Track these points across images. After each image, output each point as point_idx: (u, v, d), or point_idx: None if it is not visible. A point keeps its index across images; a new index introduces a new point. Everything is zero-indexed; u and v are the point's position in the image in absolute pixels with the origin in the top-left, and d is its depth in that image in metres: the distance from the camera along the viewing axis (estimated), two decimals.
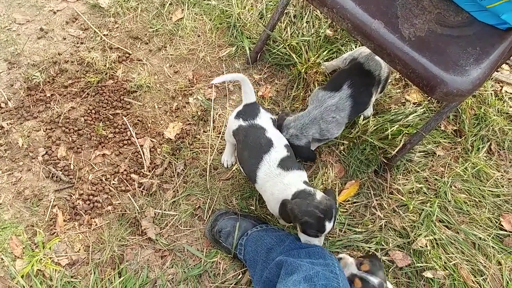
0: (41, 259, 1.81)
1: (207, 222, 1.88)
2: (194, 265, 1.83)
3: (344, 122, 1.87)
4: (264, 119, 1.71)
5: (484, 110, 2.12)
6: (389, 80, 1.99)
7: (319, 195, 1.52)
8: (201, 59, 2.26)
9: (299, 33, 2.24)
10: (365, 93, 1.85)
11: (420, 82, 1.39)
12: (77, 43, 2.32)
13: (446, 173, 2.01)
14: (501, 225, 1.92)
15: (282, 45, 2.21)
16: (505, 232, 1.90)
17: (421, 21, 1.43)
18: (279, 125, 1.87)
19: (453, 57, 1.38)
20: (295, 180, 1.58)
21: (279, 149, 1.64)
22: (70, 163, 2.03)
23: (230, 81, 1.67)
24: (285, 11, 2.05)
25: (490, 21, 1.42)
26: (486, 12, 1.41)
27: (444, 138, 2.08)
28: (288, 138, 1.81)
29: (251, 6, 2.34)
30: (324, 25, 2.27)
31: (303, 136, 1.83)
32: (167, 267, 1.83)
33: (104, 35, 2.33)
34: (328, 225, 1.48)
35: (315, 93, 1.89)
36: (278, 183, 1.59)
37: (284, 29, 2.25)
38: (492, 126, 2.10)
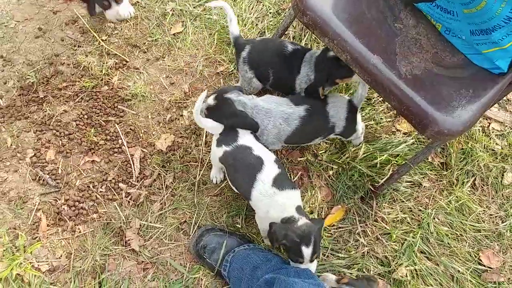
0: (21, 263, 1.79)
1: (192, 237, 1.88)
2: (175, 280, 1.83)
3: (281, 139, 1.85)
4: (246, 137, 1.73)
5: (471, 145, 2.17)
6: (362, 130, 1.99)
7: (302, 221, 1.57)
8: (199, 73, 2.26)
9: None
10: (311, 128, 1.83)
11: (413, 120, 1.42)
12: (75, 46, 2.31)
13: (430, 204, 2.04)
14: (480, 260, 1.95)
15: None
16: (483, 267, 1.94)
17: (418, 60, 1.46)
18: (225, 88, 1.86)
19: (446, 97, 1.42)
20: (289, 204, 1.62)
21: (270, 165, 1.67)
22: (58, 167, 2.01)
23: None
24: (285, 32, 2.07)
25: (485, 65, 1.47)
26: (482, 56, 1.45)
27: (431, 170, 2.12)
28: (234, 99, 1.76)
29: (252, 24, 2.36)
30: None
31: (251, 114, 1.79)
32: (149, 280, 1.82)
33: (102, 40, 2.32)
34: (306, 251, 1.53)
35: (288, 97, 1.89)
36: (274, 203, 1.62)
37: None
38: (477, 161, 2.14)
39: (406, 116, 1.44)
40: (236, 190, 1.79)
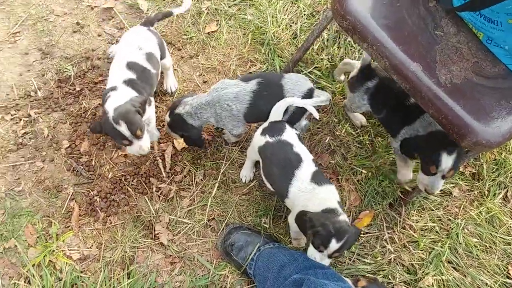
0: (53, 250, 1.85)
1: (220, 234, 1.91)
2: (202, 276, 1.85)
3: (240, 118, 1.86)
4: (290, 135, 1.74)
5: (504, 156, 2.13)
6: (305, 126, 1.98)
7: (343, 217, 1.57)
8: (232, 72, 2.29)
9: (331, 57, 2.27)
10: (266, 100, 1.81)
11: (451, 129, 1.41)
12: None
13: (460, 215, 2.02)
14: (509, 273, 1.92)
15: (313, 67, 2.24)
16: None
17: (458, 68, 1.45)
18: (176, 101, 1.93)
19: (486, 108, 1.40)
20: (330, 197, 1.63)
21: (308, 163, 1.69)
22: (92, 159, 2.06)
23: None
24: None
25: None
26: None
27: (462, 180, 2.09)
28: (182, 113, 1.85)
29: (286, 26, 2.37)
30: (356, 51, 2.30)
31: (197, 117, 1.86)
32: (176, 274, 1.85)
33: None
34: (333, 244, 1.51)
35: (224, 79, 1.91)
36: (313, 198, 1.62)
37: (316, 53, 2.28)
38: (510, 173, 2.10)
39: (444, 125, 1.43)
40: (269, 186, 1.80)
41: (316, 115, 1.81)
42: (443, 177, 1.68)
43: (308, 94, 1.82)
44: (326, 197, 1.62)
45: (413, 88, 1.43)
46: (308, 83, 1.84)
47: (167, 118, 1.93)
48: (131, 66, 1.83)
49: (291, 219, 1.74)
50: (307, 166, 1.67)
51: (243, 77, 1.87)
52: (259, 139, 1.77)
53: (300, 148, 1.71)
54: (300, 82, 1.82)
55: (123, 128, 1.67)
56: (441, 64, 1.44)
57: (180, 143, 2.10)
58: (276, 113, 1.79)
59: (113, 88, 1.77)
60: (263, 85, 1.80)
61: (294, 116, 1.86)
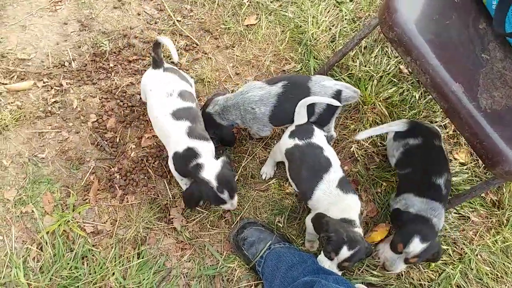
0: (68, 221, 1.86)
1: (234, 227, 1.91)
2: (210, 265, 1.86)
3: (264, 122, 1.86)
4: (320, 137, 1.75)
5: None
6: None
7: (358, 230, 1.58)
8: (265, 68, 2.29)
9: (366, 65, 2.25)
10: (293, 103, 1.78)
11: (484, 154, 1.39)
12: (150, 22, 2.38)
13: (476, 240, 1.99)
14: None
15: (347, 73, 2.23)
16: None
17: (500, 95, 1.43)
18: (208, 100, 1.95)
19: None
20: (353, 207, 1.64)
21: (337, 168, 1.70)
22: (116, 136, 2.08)
23: None
24: None
25: None
26: None
27: (482, 205, 2.07)
28: (212, 112, 1.88)
29: (325, 28, 2.35)
30: (392, 63, 2.28)
31: (224, 118, 1.87)
32: (185, 260, 1.86)
33: (177, 20, 2.37)
34: (344, 251, 1.51)
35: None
36: (337, 203, 1.63)
37: (352, 59, 2.26)
38: None
39: (477, 150, 1.41)
40: (294, 186, 1.80)
41: (335, 102, 1.76)
42: (406, 260, 1.67)
43: (336, 96, 1.80)
44: (350, 205, 1.63)
45: (452, 109, 1.41)
46: (336, 86, 1.81)
47: None
48: (178, 116, 1.76)
49: (308, 220, 1.74)
50: (335, 172, 1.67)
51: (269, 80, 1.87)
52: (287, 141, 1.77)
53: (329, 152, 1.72)
54: (328, 85, 1.80)
55: (225, 196, 1.71)
56: (484, 88, 1.42)
57: None
58: (299, 115, 1.78)
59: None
60: (289, 87, 1.80)
61: (322, 118, 1.85)
